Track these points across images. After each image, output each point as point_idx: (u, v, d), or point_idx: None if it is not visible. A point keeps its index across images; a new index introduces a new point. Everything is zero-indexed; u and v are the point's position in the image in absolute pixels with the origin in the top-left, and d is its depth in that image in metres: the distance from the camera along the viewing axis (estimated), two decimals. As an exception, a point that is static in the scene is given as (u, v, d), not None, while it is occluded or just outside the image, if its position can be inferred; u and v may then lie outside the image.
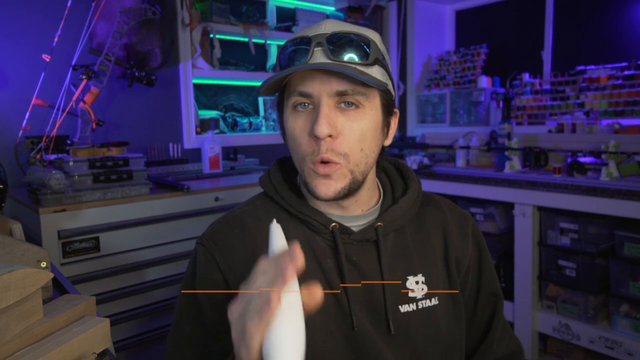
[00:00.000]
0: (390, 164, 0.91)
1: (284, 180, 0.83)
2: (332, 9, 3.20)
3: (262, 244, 0.78)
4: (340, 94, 0.70)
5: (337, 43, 0.71)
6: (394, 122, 0.80)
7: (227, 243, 0.79)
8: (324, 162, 0.71)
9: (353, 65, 0.70)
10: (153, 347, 1.81)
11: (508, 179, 2.29)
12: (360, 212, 0.80)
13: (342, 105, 0.71)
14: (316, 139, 0.70)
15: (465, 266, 0.86)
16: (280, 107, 0.79)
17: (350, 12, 3.24)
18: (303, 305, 0.51)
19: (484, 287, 0.89)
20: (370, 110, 0.73)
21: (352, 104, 0.71)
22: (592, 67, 2.71)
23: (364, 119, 0.72)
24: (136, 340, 1.75)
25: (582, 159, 2.26)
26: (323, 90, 0.69)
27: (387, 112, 0.77)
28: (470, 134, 2.92)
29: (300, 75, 0.71)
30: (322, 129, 0.68)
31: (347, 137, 0.71)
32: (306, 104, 0.72)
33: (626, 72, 2.55)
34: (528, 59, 3.16)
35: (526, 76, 2.99)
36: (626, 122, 2.46)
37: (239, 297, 0.52)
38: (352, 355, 0.76)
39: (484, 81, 3.16)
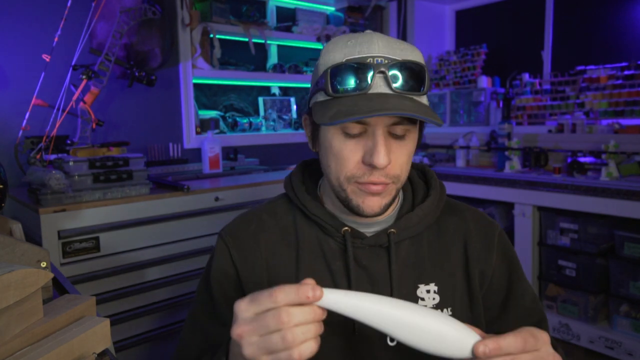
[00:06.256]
0: (414, 169, 0.90)
1: (302, 183, 0.85)
2: (332, 9, 3.20)
3: (276, 242, 0.82)
4: (394, 124, 0.70)
5: (398, 72, 0.70)
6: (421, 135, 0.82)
7: (243, 239, 0.83)
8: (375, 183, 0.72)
9: (410, 95, 0.71)
10: (153, 347, 1.81)
11: (508, 179, 2.29)
12: (375, 219, 0.80)
13: (392, 132, 0.71)
14: (370, 166, 0.70)
15: (488, 278, 0.82)
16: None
17: (350, 12, 3.23)
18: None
19: (513, 302, 0.83)
20: (414, 134, 0.75)
21: (402, 133, 0.72)
22: (592, 67, 2.71)
23: (410, 144, 0.74)
24: (136, 340, 1.75)
25: (582, 159, 2.26)
26: (380, 120, 0.69)
27: (421, 129, 0.80)
28: (470, 134, 2.92)
29: (355, 101, 0.70)
30: (383, 161, 0.68)
31: (398, 162, 0.72)
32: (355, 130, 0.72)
33: (626, 72, 2.55)
34: (528, 59, 3.16)
35: (526, 76, 2.99)
36: (626, 122, 2.46)
37: (251, 301, 0.54)
38: (351, 358, 0.77)
39: (484, 81, 3.16)
